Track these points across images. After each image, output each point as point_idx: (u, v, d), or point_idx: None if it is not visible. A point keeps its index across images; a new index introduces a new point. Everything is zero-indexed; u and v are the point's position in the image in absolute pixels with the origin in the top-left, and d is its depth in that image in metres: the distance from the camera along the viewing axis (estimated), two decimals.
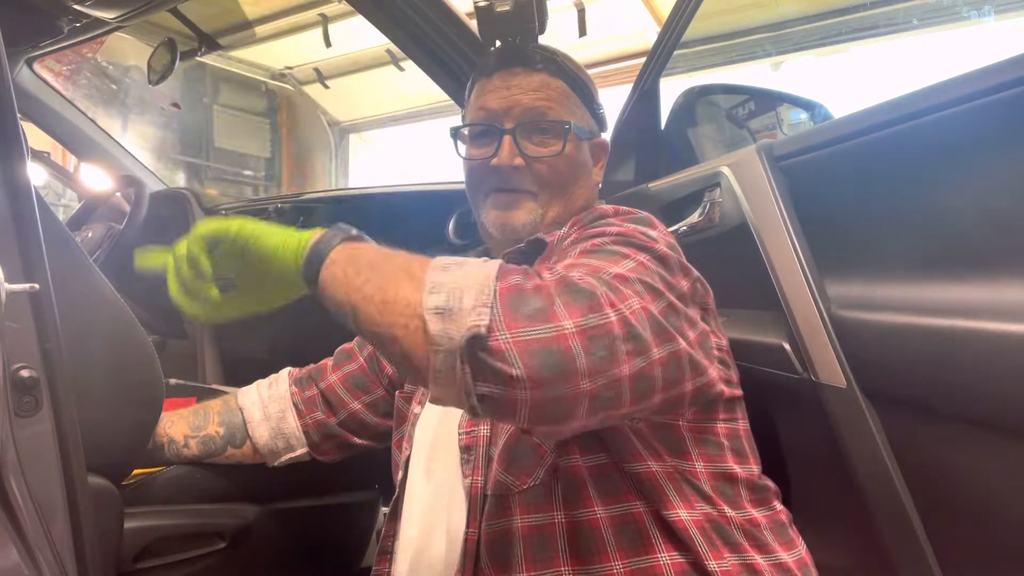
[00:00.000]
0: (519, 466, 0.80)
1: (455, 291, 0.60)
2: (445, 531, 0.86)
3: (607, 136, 1.06)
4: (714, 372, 0.80)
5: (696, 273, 0.81)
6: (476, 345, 0.58)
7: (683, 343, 0.71)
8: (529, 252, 0.91)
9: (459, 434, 0.86)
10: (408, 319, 0.61)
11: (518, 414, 0.60)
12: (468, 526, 0.82)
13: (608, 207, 0.89)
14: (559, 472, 0.79)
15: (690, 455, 0.81)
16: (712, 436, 0.83)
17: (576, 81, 0.98)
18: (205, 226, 0.73)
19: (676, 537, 0.78)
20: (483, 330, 0.58)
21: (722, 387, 0.82)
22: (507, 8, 1.00)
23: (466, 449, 0.85)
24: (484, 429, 0.84)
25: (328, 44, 3.90)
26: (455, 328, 0.58)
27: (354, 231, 0.71)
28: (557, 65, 0.96)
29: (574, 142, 0.95)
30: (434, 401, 0.64)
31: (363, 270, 0.65)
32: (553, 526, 0.79)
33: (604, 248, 0.73)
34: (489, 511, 0.81)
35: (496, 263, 0.65)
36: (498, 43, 1.12)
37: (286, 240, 0.71)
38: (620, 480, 0.79)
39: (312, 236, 0.70)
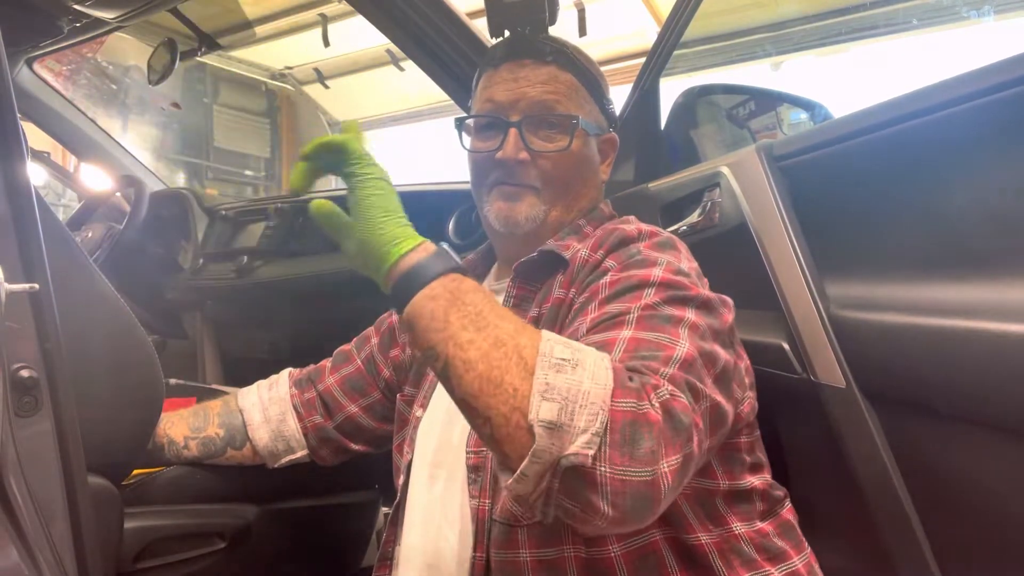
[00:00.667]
0: None
1: (568, 403, 0.57)
2: (450, 547, 0.84)
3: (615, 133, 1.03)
4: (745, 406, 0.81)
5: (729, 300, 0.81)
6: (574, 471, 0.56)
7: (730, 414, 0.72)
8: (542, 263, 0.88)
9: (467, 452, 0.83)
10: (510, 411, 0.58)
11: (586, 530, 0.60)
12: (475, 550, 0.80)
13: (630, 228, 0.85)
14: None
15: (715, 472, 0.80)
16: (735, 452, 0.82)
17: (586, 75, 0.95)
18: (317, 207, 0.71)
19: (695, 563, 0.76)
20: (588, 461, 0.56)
21: (750, 416, 0.83)
22: None
23: (474, 469, 0.82)
24: None
25: (327, 44, 3.90)
26: (559, 447, 0.56)
27: (457, 259, 0.69)
28: (567, 58, 0.93)
29: (581, 137, 0.93)
30: (505, 485, 0.60)
31: (468, 324, 0.62)
32: (563, 561, 0.76)
33: (658, 314, 0.70)
34: (496, 539, 0.79)
35: (607, 365, 0.60)
36: (507, 33, 1.09)
37: (383, 237, 0.68)
38: None
39: (408, 246, 0.68)
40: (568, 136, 0.91)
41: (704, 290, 0.78)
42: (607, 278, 0.77)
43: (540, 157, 0.91)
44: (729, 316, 0.79)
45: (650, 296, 0.72)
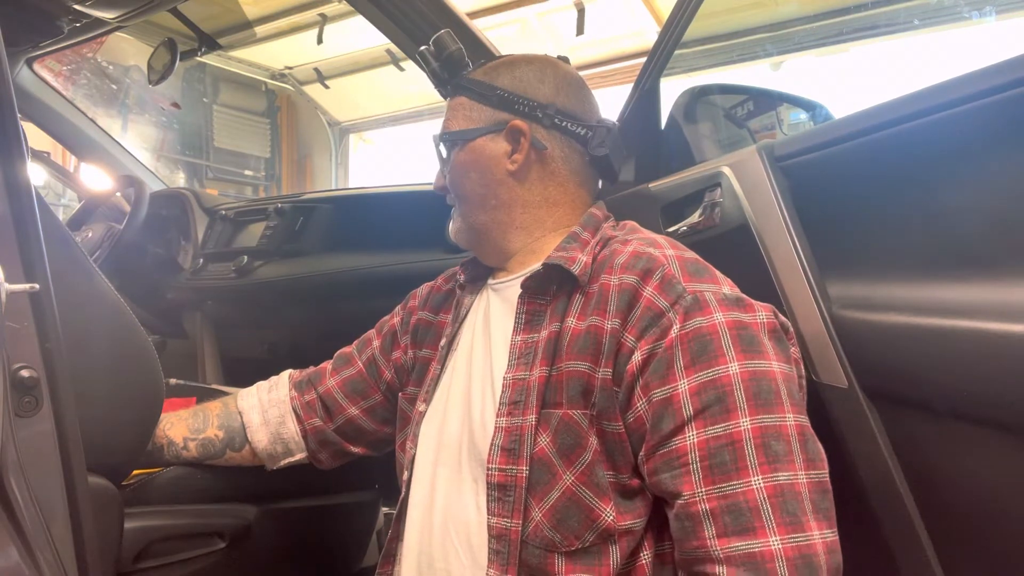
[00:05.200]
0: (567, 526, 0.77)
1: None
2: (456, 554, 0.83)
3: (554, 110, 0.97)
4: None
5: (783, 319, 0.80)
6: None
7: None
8: (548, 276, 0.87)
9: (489, 468, 0.81)
10: None
11: None
12: (491, 567, 0.79)
13: (658, 258, 0.81)
14: (614, 539, 0.77)
15: None
16: None
17: (473, 85, 0.95)
18: None
19: None
20: None
21: None
22: (429, 48, 0.97)
23: (500, 487, 0.80)
24: (523, 469, 0.80)
25: (320, 41, 3.90)
26: None
27: None
28: (454, 85, 0.97)
29: (465, 147, 0.94)
30: None
31: None
32: None
33: (769, 441, 0.71)
34: (528, 561, 0.79)
35: None
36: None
37: None
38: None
39: None
40: (448, 152, 0.97)
41: (759, 315, 0.78)
42: (684, 386, 0.74)
43: (447, 179, 0.98)
44: (793, 350, 0.80)
45: (748, 429, 0.72)
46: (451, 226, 0.99)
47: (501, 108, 0.94)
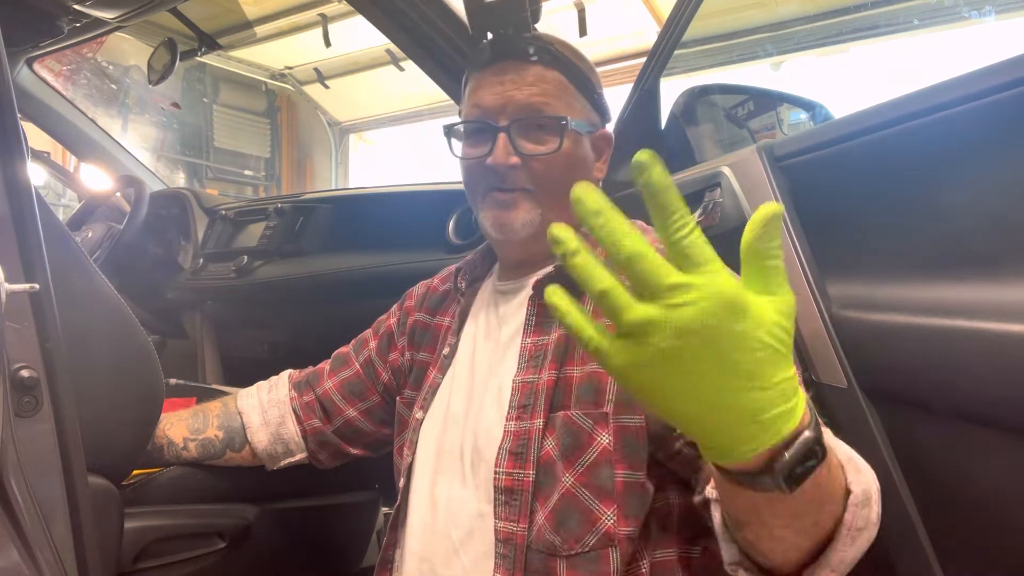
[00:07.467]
0: (567, 529, 0.77)
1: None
2: (460, 561, 0.83)
3: (610, 128, 0.98)
4: None
5: None
6: None
7: None
8: (559, 278, 0.85)
9: (497, 472, 0.80)
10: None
11: None
12: (496, 572, 0.79)
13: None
14: (615, 544, 0.76)
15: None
16: None
17: (574, 70, 0.90)
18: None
19: None
20: None
21: None
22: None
23: (507, 491, 0.80)
24: (530, 473, 0.79)
25: (328, 44, 3.91)
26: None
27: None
28: (552, 56, 0.89)
29: (572, 138, 0.89)
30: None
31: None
32: None
33: None
34: (532, 565, 0.78)
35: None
36: (489, 35, 1.03)
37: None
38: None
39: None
40: (558, 137, 0.87)
41: None
42: None
43: (532, 160, 0.87)
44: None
45: None
46: (517, 214, 0.89)
47: (597, 111, 0.93)
